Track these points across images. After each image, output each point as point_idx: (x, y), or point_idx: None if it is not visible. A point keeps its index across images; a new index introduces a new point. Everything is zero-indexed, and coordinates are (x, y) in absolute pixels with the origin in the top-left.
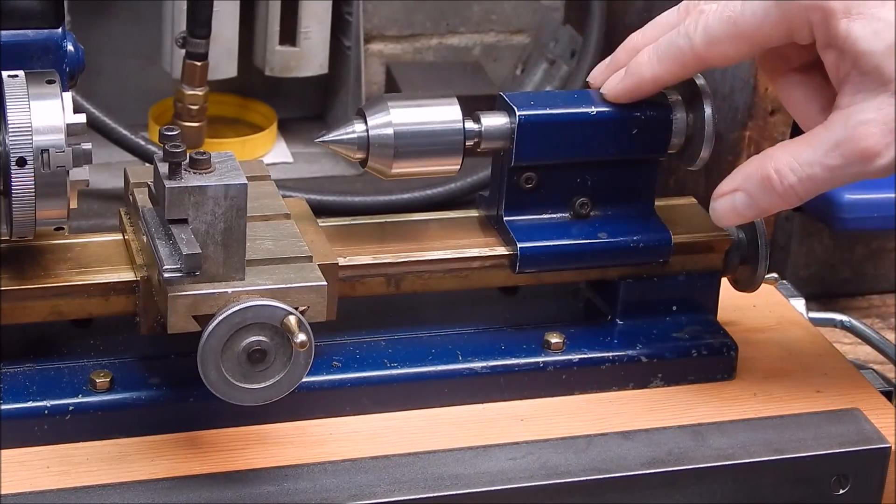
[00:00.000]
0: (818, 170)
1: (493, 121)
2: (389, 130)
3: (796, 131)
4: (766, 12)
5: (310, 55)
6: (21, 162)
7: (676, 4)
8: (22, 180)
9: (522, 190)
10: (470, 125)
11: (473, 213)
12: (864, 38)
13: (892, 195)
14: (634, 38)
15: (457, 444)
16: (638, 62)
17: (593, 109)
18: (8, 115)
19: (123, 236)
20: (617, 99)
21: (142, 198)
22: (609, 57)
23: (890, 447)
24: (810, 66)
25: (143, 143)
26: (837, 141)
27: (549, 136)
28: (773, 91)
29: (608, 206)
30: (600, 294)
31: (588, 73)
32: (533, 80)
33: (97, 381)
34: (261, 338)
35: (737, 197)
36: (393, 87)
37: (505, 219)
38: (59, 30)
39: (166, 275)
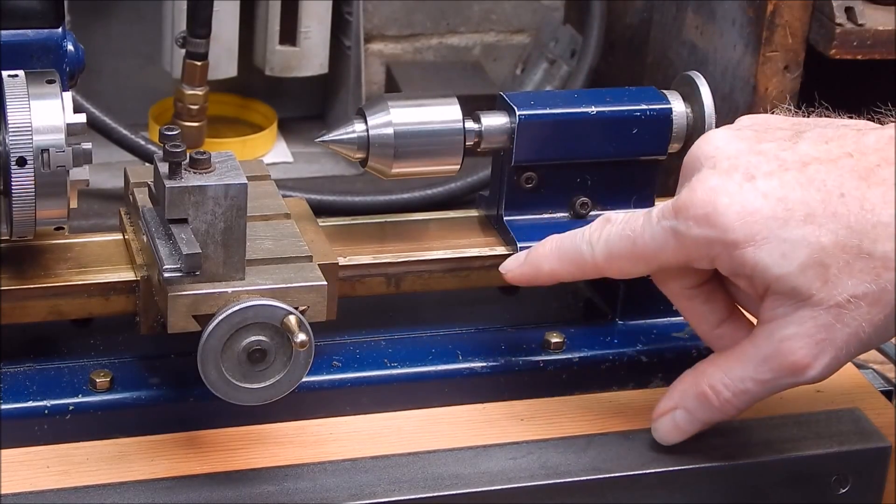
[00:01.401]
0: (750, 385)
1: (494, 120)
2: (389, 130)
3: None
4: (665, 241)
5: (310, 55)
6: (21, 162)
7: (674, 6)
8: (22, 180)
9: (522, 190)
10: (470, 125)
11: (473, 212)
12: (774, 263)
13: None
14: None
15: (457, 444)
16: (539, 253)
17: (593, 109)
18: (8, 114)
19: (123, 236)
20: (512, 282)
21: (142, 197)
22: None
23: (890, 447)
24: (707, 282)
25: (143, 142)
26: (765, 356)
27: (549, 135)
28: (672, 302)
29: (608, 205)
30: (600, 294)
31: (588, 73)
32: (533, 80)
33: (97, 380)
34: (261, 337)
35: (677, 415)
36: (393, 87)
37: (505, 218)
38: (60, 29)
39: (166, 274)
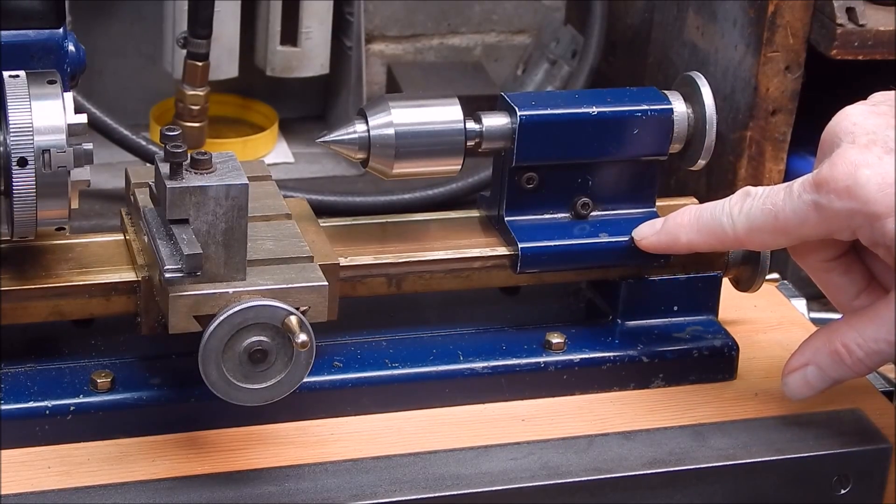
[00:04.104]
0: (883, 346)
1: (495, 121)
2: (391, 130)
3: (797, 132)
4: (807, 214)
5: (311, 55)
6: (22, 162)
7: (675, 6)
8: (23, 180)
9: (523, 190)
10: (471, 125)
11: (474, 213)
12: None
13: None
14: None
15: (458, 445)
16: (678, 223)
17: (594, 110)
18: (9, 115)
19: (124, 236)
20: (646, 249)
21: (143, 198)
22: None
23: (891, 447)
24: (844, 254)
25: (144, 143)
26: None
27: (551, 136)
28: (809, 276)
29: (609, 206)
30: (601, 294)
31: (589, 73)
32: (534, 80)
33: (98, 381)
34: (262, 338)
35: (808, 371)
36: (394, 87)
37: (506, 219)
38: (61, 30)
39: (167, 275)
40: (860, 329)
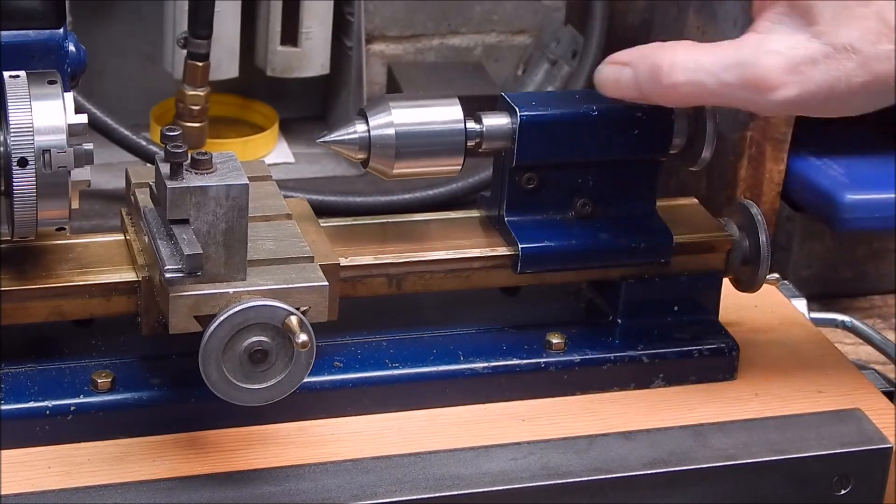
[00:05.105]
0: (709, 80)
1: (495, 121)
2: (391, 131)
3: (797, 132)
4: None
5: (311, 55)
6: (23, 162)
7: (675, 7)
8: (23, 180)
9: (524, 190)
10: (471, 125)
11: (475, 213)
12: None
13: (893, 195)
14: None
15: (458, 445)
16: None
17: (595, 110)
18: (10, 115)
19: (125, 236)
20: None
21: (143, 198)
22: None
23: (891, 447)
24: None
25: (144, 143)
26: (740, 60)
27: (551, 136)
28: None
29: (610, 206)
30: (602, 294)
31: (590, 74)
32: (534, 81)
33: (98, 381)
34: (262, 338)
35: (624, 71)
36: (394, 88)
37: (506, 219)
38: (61, 30)
39: (168, 275)
40: (696, 56)
